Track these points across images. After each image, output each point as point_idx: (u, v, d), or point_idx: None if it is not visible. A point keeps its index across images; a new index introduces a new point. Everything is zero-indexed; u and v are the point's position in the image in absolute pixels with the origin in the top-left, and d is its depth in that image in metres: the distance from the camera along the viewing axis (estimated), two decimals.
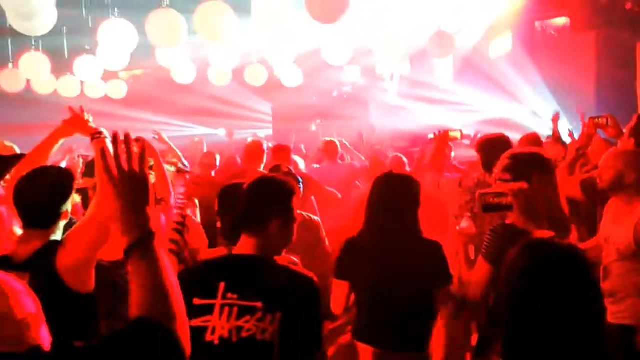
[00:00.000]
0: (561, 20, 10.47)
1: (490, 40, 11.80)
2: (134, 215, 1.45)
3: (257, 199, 2.35)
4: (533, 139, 5.15)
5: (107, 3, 7.71)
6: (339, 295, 3.19)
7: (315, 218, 4.11)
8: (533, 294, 1.70)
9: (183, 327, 1.39)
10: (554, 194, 2.81)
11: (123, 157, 1.49)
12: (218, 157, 6.93)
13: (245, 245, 2.31)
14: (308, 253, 3.88)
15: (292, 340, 2.18)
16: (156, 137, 6.28)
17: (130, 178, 1.49)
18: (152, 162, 3.90)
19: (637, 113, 4.12)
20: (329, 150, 6.55)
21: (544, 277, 1.69)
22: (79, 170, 5.39)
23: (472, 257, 3.02)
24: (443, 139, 4.62)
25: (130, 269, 1.42)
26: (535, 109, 11.05)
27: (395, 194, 3.16)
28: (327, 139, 7.05)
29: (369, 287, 3.13)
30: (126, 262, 1.44)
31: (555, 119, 6.24)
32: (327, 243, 4.04)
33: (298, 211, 3.94)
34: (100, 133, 2.98)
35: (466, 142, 6.08)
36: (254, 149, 5.75)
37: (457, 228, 3.02)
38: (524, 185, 2.57)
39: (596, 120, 4.30)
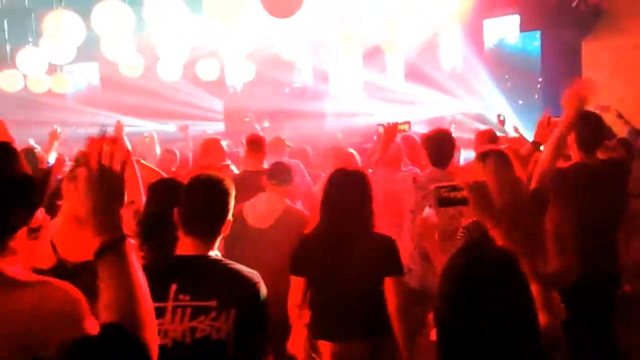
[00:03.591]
0: (509, 19, 10.68)
1: (439, 38, 11.98)
2: (107, 215, 1.40)
3: (210, 201, 2.31)
4: (488, 134, 5.22)
5: None
6: (296, 291, 3.24)
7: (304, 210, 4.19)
8: (458, 298, 1.71)
9: (153, 333, 1.36)
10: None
11: (103, 155, 1.43)
12: (178, 153, 6.87)
13: (190, 246, 2.27)
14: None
15: (246, 335, 2.17)
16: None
17: (108, 177, 1.43)
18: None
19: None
20: (276, 146, 6.49)
21: (469, 282, 1.71)
22: None
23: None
24: (391, 131, 4.55)
25: (100, 272, 1.35)
26: (486, 106, 11.26)
27: (346, 190, 3.20)
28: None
29: (323, 282, 3.17)
30: (94, 264, 1.38)
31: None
32: None
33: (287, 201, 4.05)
34: None
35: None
36: (210, 146, 5.61)
37: (424, 214, 3.02)
38: (479, 178, 2.59)
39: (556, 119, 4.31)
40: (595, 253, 3.63)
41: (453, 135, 4.56)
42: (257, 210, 4.03)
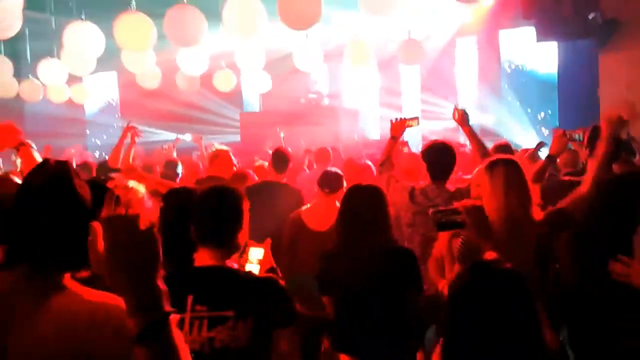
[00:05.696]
0: (525, 29, 10.67)
1: (455, 49, 12.01)
2: (144, 291, 1.13)
3: (226, 210, 2.34)
4: (504, 146, 5.21)
5: (72, 6, 7.61)
6: (329, 309, 3.26)
7: None
8: (468, 316, 1.73)
9: None
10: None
11: (126, 217, 1.12)
12: (180, 166, 6.74)
13: (207, 257, 2.30)
14: None
15: (266, 341, 2.22)
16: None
17: (138, 242, 1.13)
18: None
19: (594, 123, 4.17)
20: (321, 157, 6.60)
21: (479, 301, 1.72)
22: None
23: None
24: (399, 127, 4.39)
25: (140, 356, 1.14)
26: (501, 117, 11.25)
27: (363, 206, 3.17)
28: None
29: (346, 297, 3.17)
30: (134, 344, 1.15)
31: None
32: None
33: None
34: (24, 143, 3.13)
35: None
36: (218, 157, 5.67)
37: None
38: (476, 202, 2.59)
39: (571, 134, 4.29)
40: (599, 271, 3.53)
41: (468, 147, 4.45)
42: (316, 215, 4.24)
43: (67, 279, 1.47)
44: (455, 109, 4.30)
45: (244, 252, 2.60)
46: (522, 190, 2.88)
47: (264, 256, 2.71)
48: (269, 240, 2.70)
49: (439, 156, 4.05)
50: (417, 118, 4.44)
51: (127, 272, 1.12)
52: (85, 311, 1.40)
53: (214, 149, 6.52)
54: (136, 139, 5.48)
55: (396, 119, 4.45)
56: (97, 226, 1.15)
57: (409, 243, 3.98)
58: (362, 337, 3.12)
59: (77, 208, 1.41)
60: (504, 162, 2.93)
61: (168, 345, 1.15)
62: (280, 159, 5.28)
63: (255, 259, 2.69)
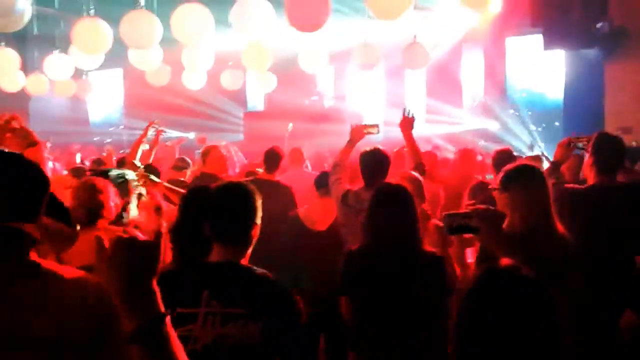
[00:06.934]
0: (532, 37, 10.68)
1: (462, 55, 12.02)
2: (139, 296, 1.17)
3: (240, 207, 2.33)
4: (506, 153, 5.17)
5: (81, 1, 7.62)
6: (347, 309, 3.18)
7: None
8: (480, 319, 1.72)
9: None
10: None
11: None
12: (190, 162, 6.86)
13: (222, 252, 2.29)
14: None
15: (275, 345, 2.19)
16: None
17: (139, 252, 1.19)
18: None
19: (599, 131, 4.15)
20: (295, 157, 6.51)
21: (492, 304, 1.71)
22: None
23: (469, 260, 2.96)
24: (356, 133, 4.35)
25: (136, 357, 1.17)
26: (505, 124, 11.25)
27: (393, 207, 3.07)
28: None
29: (372, 302, 3.05)
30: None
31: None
32: None
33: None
34: (36, 143, 3.03)
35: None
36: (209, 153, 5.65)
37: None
38: (490, 207, 2.55)
39: (576, 140, 4.26)
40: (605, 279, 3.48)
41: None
42: (314, 215, 4.26)
43: (37, 257, 1.48)
44: (404, 114, 4.38)
45: None
46: (546, 200, 2.78)
47: None
48: None
49: (372, 162, 4.11)
50: (377, 125, 4.42)
51: (122, 277, 1.16)
52: (71, 292, 1.43)
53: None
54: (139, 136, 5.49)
55: (356, 124, 4.48)
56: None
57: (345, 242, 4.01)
58: (382, 339, 3.01)
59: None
60: (527, 171, 2.83)
61: (163, 346, 1.18)
62: (271, 158, 5.30)
63: None
